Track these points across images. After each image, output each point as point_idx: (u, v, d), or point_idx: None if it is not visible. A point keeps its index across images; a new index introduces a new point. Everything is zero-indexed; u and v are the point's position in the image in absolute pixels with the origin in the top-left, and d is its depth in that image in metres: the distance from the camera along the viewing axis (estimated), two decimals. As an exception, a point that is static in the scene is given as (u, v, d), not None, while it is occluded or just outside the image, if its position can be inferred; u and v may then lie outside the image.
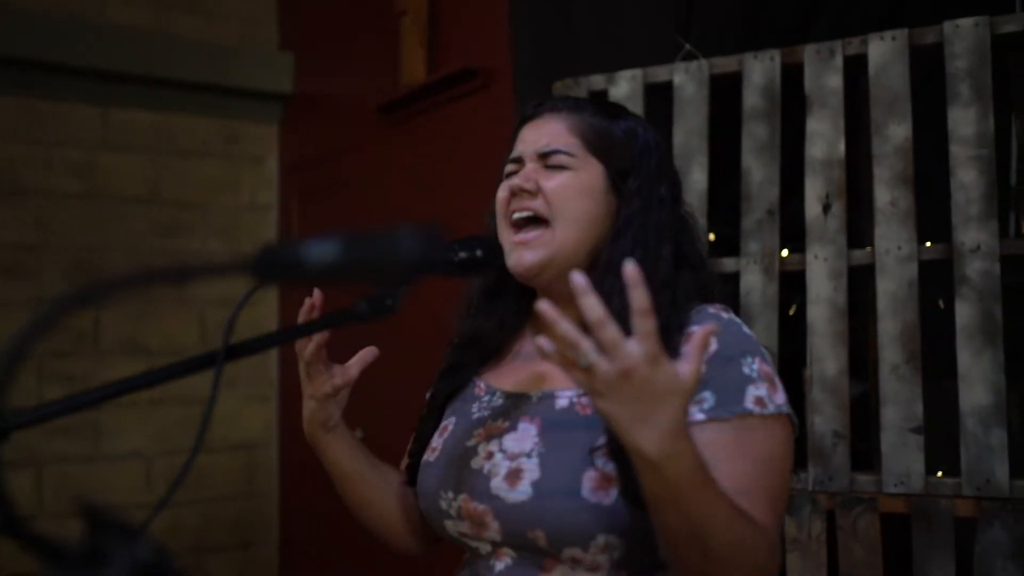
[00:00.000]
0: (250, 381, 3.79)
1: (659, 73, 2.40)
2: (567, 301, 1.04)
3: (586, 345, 0.95)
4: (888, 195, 2.13)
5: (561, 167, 1.30)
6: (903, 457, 2.05)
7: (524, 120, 1.40)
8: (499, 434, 1.28)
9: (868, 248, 2.17)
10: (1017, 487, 1.98)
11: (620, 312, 0.99)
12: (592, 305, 0.94)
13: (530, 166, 1.33)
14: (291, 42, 3.95)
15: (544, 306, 0.96)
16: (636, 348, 0.93)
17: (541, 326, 1.36)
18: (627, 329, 0.95)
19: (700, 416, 1.16)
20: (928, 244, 2.11)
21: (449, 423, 1.39)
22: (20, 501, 0.59)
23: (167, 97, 3.67)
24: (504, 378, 1.38)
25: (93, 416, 3.41)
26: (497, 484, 1.22)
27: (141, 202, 3.63)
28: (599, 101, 1.41)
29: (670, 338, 1.14)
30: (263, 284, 0.91)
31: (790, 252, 2.26)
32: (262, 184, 3.92)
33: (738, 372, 1.18)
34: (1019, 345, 2.07)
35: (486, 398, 1.37)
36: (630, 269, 0.94)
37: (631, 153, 1.33)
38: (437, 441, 1.38)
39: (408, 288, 1.17)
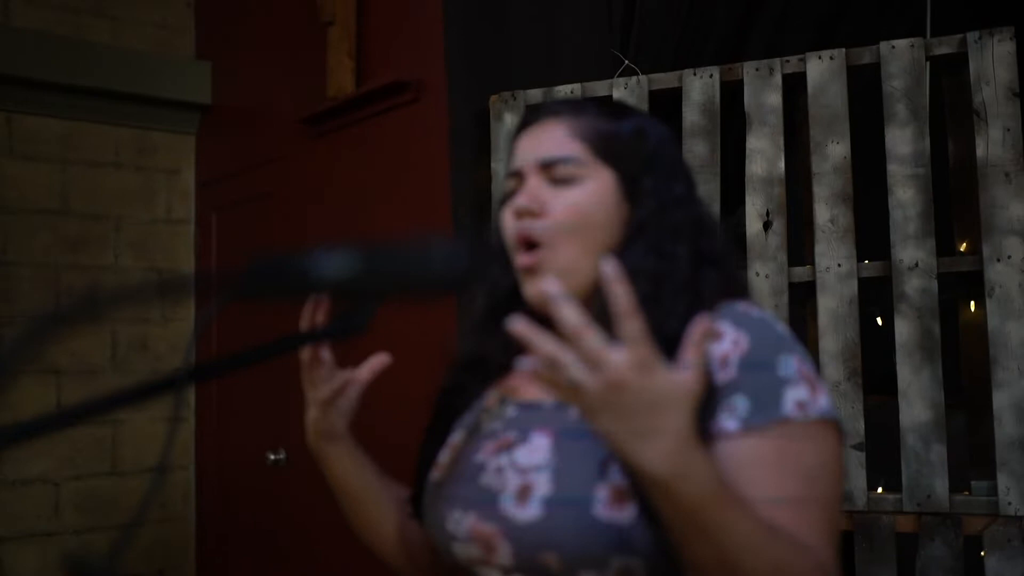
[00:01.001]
0: (163, 401, 3.64)
1: (598, 88, 2.38)
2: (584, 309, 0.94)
3: (567, 360, 0.86)
4: (828, 213, 2.15)
5: (568, 180, 1.18)
6: (845, 474, 2.06)
7: (520, 128, 1.27)
8: (509, 447, 1.16)
9: (808, 265, 2.18)
10: (957, 502, 2.01)
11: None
12: (619, 295, 0.86)
13: (533, 181, 1.20)
14: (209, 51, 3.83)
15: (518, 326, 0.88)
16: (622, 356, 0.85)
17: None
18: (663, 341, 0.89)
19: (733, 425, 1.02)
20: (867, 261, 2.14)
21: (455, 437, 1.27)
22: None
23: (78, 105, 3.51)
24: (516, 388, 1.26)
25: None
26: (506, 501, 1.10)
27: (49, 214, 3.46)
28: (601, 101, 1.30)
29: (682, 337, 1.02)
30: (255, 300, 0.83)
31: (730, 269, 2.26)
32: (178, 197, 3.79)
33: (773, 374, 1.04)
34: (957, 361, 2.10)
35: (496, 409, 1.25)
36: (606, 266, 0.86)
37: (642, 154, 1.20)
38: (444, 457, 1.26)
39: (378, 305, 1.10)
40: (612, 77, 2.39)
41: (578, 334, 0.85)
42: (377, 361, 1.30)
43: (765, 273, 2.18)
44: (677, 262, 1.14)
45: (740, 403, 1.03)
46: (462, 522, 1.15)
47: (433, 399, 1.36)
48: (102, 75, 3.51)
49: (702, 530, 0.90)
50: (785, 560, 0.92)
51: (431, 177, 2.67)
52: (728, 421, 1.02)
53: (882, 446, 2.09)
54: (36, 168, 3.44)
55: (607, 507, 1.03)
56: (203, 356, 3.64)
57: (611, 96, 2.35)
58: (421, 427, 1.36)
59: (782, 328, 1.11)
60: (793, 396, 1.03)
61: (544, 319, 1.23)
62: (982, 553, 2.00)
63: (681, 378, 0.88)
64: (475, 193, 2.54)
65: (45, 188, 3.46)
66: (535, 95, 2.42)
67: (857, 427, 2.07)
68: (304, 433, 1.32)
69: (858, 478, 2.06)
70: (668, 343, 0.99)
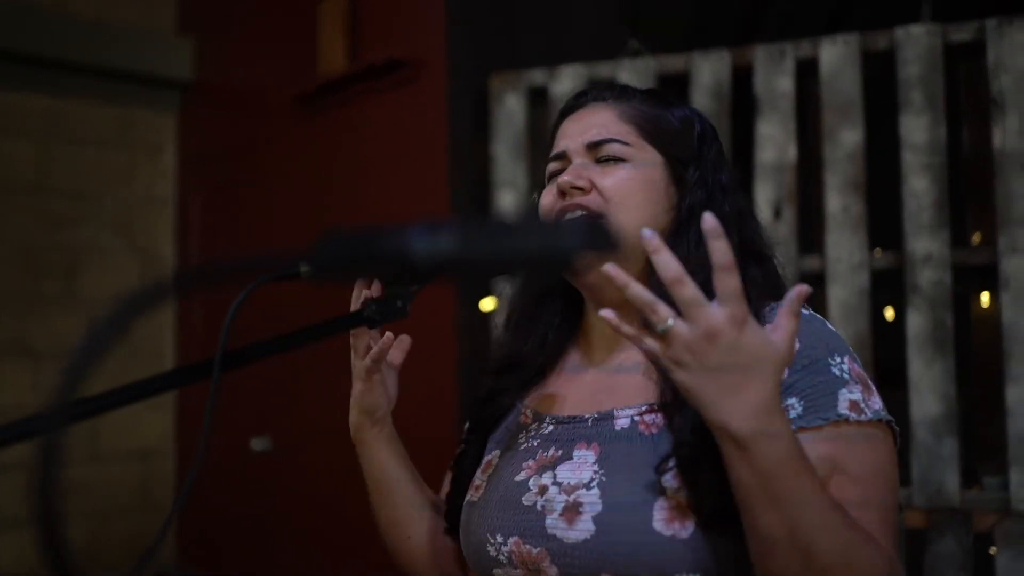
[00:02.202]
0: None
1: (603, 69, 2.32)
2: (619, 307, 0.92)
3: (663, 307, 0.86)
4: (839, 202, 2.10)
5: (616, 159, 1.14)
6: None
7: (563, 114, 1.24)
8: (552, 465, 1.10)
9: (819, 255, 2.13)
10: (968, 498, 1.97)
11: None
12: (667, 262, 0.85)
13: (578, 162, 1.16)
14: (191, 26, 3.72)
15: (611, 267, 0.87)
16: (720, 308, 0.84)
17: (589, 341, 1.18)
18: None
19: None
20: (878, 252, 2.09)
21: (493, 457, 1.21)
22: None
23: (57, 80, 3.39)
24: (552, 401, 1.21)
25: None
26: (553, 522, 1.05)
27: (28, 191, 3.35)
28: (648, 89, 1.26)
29: None
30: (329, 279, 0.76)
31: (738, 257, 2.21)
32: (159, 176, 3.68)
33: (827, 374, 1.01)
34: (969, 354, 2.07)
35: (534, 426, 1.19)
36: (709, 220, 0.85)
37: (689, 141, 1.18)
38: (480, 478, 1.20)
39: (420, 289, 1.04)
40: (618, 58, 2.33)
41: (679, 280, 0.85)
42: (405, 340, 1.26)
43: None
44: None
45: (794, 404, 1.00)
46: (504, 546, 1.09)
47: (469, 407, 1.30)
48: (84, 50, 3.39)
49: (776, 499, 0.87)
50: (857, 547, 0.89)
51: (428, 159, 2.60)
52: None
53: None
54: (16, 145, 3.33)
55: (667, 523, 0.99)
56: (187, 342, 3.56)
57: (615, 78, 2.29)
58: (425, 424, 1.30)
59: (831, 328, 1.09)
60: (848, 397, 1.00)
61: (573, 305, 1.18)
62: (993, 550, 1.97)
63: (773, 339, 0.86)
64: (474, 176, 2.48)
65: (23, 165, 3.35)
66: (537, 75, 2.36)
67: (867, 420, 2.03)
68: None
69: (867, 472, 2.02)
70: None
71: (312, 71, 2.99)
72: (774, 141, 2.17)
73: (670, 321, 0.86)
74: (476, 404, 1.28)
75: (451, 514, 1.24)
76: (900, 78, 2.09)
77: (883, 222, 2.10)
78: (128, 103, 3.60)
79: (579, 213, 1.12)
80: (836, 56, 2.14)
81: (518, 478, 1.13)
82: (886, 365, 2.13)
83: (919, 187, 2.05)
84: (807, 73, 2.20)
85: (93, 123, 3.52)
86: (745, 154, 2.19)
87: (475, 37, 2.52)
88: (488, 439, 1.26)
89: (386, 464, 1.26)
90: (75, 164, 3.45)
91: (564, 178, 1.14)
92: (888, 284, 2.10)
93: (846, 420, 0.98)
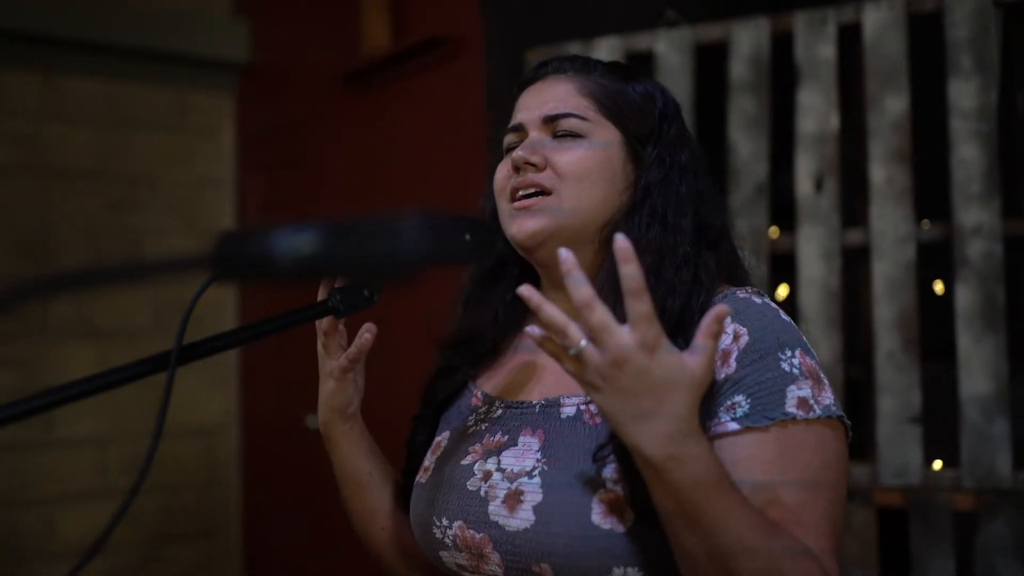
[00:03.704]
0: (207, 365, 3.59)
1: (640, 41, 2.27)
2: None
3: (574, 331, 0.86)
4: (884, 172, 2.02)
5: (572, 134, 1.13)
6: (900, 448, 1.95)
7: (524, 84, 1.22)
8: (497, 450, 1.11)
9: (862, 228, 2.06)
10: (1021, 479, 1.89)
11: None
12: (578, 284, 0.84)
13: (535, 135, 1.15)
14: (246, 7, 3.75)
15: (526, 290, 0.88)
16: (629, 334, 0.84)
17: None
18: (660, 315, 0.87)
19: (734, 426, 0.98)
20: (926, 224, 2.01)
21: (442, 439, 1.22)
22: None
23: (114, 65, 3.46)
24: (502, 384, 1.21)
25: (42, 402, 3.23)
26: (496, 509, 1.06)
27: (89, 176, 3.43)
28: (610, 62, 1.23)
29: (692, 323, 0.99)
30: (223, 280, 0.77)
31: (780, 232, 2.15)
32: (216, 158, 3.73)
33: (776, 369, 0.99)
34: (1021, 329, 1.98)
35: (483, 408, 1.20)
36: (620, 242, 0.84)
37: (649, 118, 1.15)
38: (430, 460, 1.21)
39: (382, 280, 1.04)
40: (655, 28, 2.27)
41: (588, 306, 0.84)
42: (368, 328, 1.22)
43: (816, 236, 2.06)
44: (681, 235, 1.09)
45: (741, 402, 0.98)
46: (449, 529, 1.11)
47: (422, 384, 1.31)
48: (139, 34, 3.45)
49: (695, 520, 0.86)
50: (783, 563, 0.88)
51: (468, 136, 2.58)
52: (728, 421, 0.98)
53: (940, 419, 1.98)
54: (74, 130, 3.41)
55: (605, 516, 0.98)
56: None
57: (652, 50, 2.24)
58: (407, 411, 1.30)
59: (785, 318, 1.06)
60: (796, 393, 0.98)
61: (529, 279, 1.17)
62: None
63: (687, 363, 0.85)
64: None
65: (84, 150, 3.42)
66: (573, 49, 2.31)
67: (913, 399, 1.96)
68: (320, 408, 1.26)
69: (914, 453, 1.95)
70: (668, 318, 0.99)
71: (358, 50, 3.00)
72: (815, 110, 2.09)
73: (582, 343, 0.85)
74: (429, 380, 1.29)
75: (406, 491, 1.25)
76: (948, 41, 1.99)
77: (931, 193, 2.01)
78: (186, 86, 3.65)
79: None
80: (880, 20, 2.04)
81: (464, 462, 1.14)
82: (935, 341, 2.05)
83: (968, 156, 1.95)
84: (850, 39, 2.11)
85: (151, 107, 3.58)
86: (785, 124, 2.12)
87: (510, 12, 2.48)
88: (440, 418, 1.26)
89: (356, 458, 1.27)
90: (134, 148, 3.52)
91: (518, 153, 1.13)
92: (936, 258, 2.02)
93: (793, 419, 0.96)
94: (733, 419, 0.98)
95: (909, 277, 1.98)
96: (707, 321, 0.86)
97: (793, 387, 0.98)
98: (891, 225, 2.00)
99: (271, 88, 3.64)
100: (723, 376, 0.99)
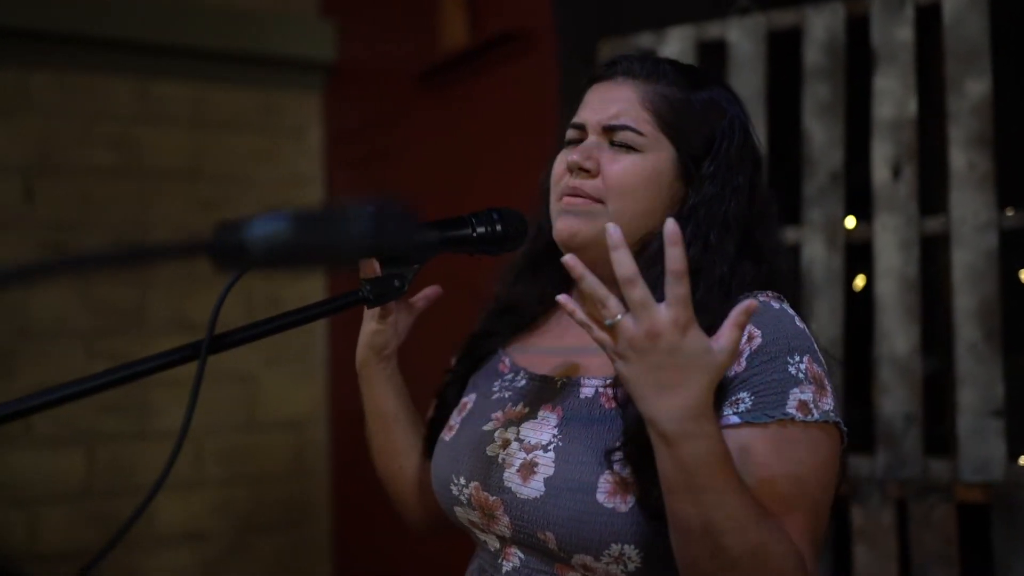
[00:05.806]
0: (297, 357, 3.71)
1: (712, 29, 2.24)
2: (609, 285, 0.96)
3: (614, 302, 0.92)
4: (964, 158, 1.95)
5: (627, 147, 1.18)
6: (982, 442, 1.89)
7: (592, 80, 1.26)
8: (518, 420, 1.20)
9: (942, 216, 2.00)
10: (1110, 476, 1.81)
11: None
12: (623, 260, 0.91)
13: (592, 139, 1.20)
14: (332, 8, 3.83)
15: (570, 259, 0.94)
16: (665, 311, 0.90)
17: (582, 303, 1.25)
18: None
19: (735, 419, 1.04)
20: (1009, 211, 1.94)
21: (469, 400, 1.31)
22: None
23: (205, 68, 3.57)
24: (531, 357, 1.30)
25: (141, 393, 3.36)
26: (510, 476, 1.15)
27: (182, 177, 3.55)
28: (681, 65, 1.26)
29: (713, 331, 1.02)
30: (222, 268, 0.81)
31: (856, 221, 2.10)
32: (304, 156, 3.82)
33: (782, 372, 1.05)
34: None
35: (508, 376, 1.29)
36: (671, 225, 0.91)
37: (709, 133, 1.19)
38: (455, 419, 1.31)
39: (420, 268, 1.09)
40: (727, 16, 2.23)
41: (631, 282, 0.90)
42: (432, 290, 1.34)
43: (893, 225, 2.01)
44: (720, 256, 1.14)
45: (745, 398, 1.05)
46: (466, 488, 1.20)
47: (462, 342, 1.40)
48: (229, 37, 3.55)
49: (695, 493, 0.93)
50: (767, 546, 0.94)
51: (543, 129, 2.59)
52: (730, 415, 1.04)
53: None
54: (168, 132, 3.53)
55: (609, 495, 1.06)
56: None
57: (724, 38, 2.21)
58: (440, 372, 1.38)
59: (799, 324, 1.11)
60: (798, 396, 1.04)
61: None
62: None
63: (713, 347, 0.91)
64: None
65: (177, 151, 3.55)
66: (646, 39, 2.29)
67: (995, 392, 1.89)
68: (359, 347, 1.34)
69: (996, 447, 1.88)
70: None
71: (435, 47, 3.03)
72: (893, 95, 2.03)
73: (619, 316, 0.91)
74: (468, 340, 1.38)
75: (429, 441, 1.36)
76: (1032, 20, 1.91)
77: (1014, 179, 1.94)
78: (274, 86, 3.75)
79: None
80: (960, 1, 1.98)
81: (486, 428, 1.23)
82: (1018, 332, 1.98)
83: (1054, 139, 1.88)
84: (928, 21, 2.05)
85: (241, 108, 3.69)
86: (861, 110, 2.07)
87: (581, 3, 2.48)
88: (470, 379, 1.35)
89: (386, 398, 1.37)
90: (224, 148, 3.63)
91: (572, 158, 1.18)
92: (1020, 245, 1.94)
93: (792, 420, 1.02)
94: (735, 413, 1.05)
95: (991, 266, 1.91)
96: (736, 312, 0.92)
97: (796, 390, 1.04)
98: (972, 212, 1.93)
99: (356, 86, 3.71)
100: (732, 374, 1.06)
